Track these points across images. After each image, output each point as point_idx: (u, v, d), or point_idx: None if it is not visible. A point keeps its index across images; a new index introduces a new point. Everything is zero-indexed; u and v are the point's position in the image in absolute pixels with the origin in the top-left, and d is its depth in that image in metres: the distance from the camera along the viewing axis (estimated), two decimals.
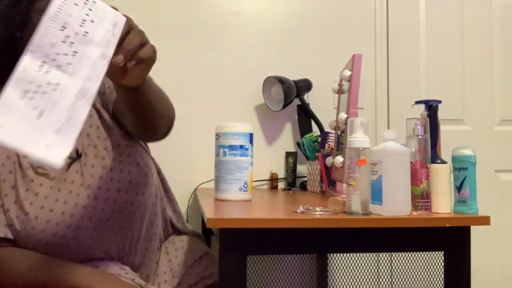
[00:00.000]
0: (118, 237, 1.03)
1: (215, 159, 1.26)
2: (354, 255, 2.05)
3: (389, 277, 2.07)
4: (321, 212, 0.98)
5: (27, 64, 0.62)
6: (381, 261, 2.07)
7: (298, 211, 1.01)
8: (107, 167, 0.99)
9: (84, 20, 0.65)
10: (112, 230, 1.01)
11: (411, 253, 2.04)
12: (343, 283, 2.04)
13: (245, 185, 1.23)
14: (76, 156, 0.98)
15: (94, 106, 1.02)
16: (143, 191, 1.05)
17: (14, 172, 0.96)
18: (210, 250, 1.36)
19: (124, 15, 0.71)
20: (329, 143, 1.65)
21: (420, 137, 1.02)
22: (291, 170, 1.94)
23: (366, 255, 2.06)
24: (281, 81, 1.87)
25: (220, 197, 1.23)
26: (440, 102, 1.13)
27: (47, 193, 0.95)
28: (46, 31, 0.62)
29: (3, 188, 0.95)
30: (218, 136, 1.25)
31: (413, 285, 2.04)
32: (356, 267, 2.06)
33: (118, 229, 1.02)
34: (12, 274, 0.89)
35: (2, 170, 0.96)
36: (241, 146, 1.23)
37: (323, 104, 2.04)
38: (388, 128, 2.11)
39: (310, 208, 1.02)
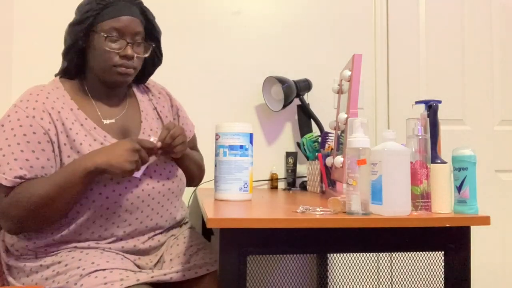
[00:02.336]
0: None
1: (215, 159, 1.26)
2: (354, 255, 2.05)
3: (389, 277, 2.07)
4: (321, 212, 0.98)
5: None
6: (381, 261, 2.07)
7: (298, 211, 1.01)
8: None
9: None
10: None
11: (411, 253, 2.04)
12: (343, 283, 2.04)
13: (245, 185, 1.23)
14: None
15: None
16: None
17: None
18: (208, 242, 1.37)
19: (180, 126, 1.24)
20: (329, 143, 1.65)
21: (420, 137, 1.02)
22: (291, 170, 1.94)
23: (366, 255, 2.06)
24: (281, 81, 1.87)
25: (220, 197, 1.23)
26: (440, 102, 1.13)
27: None
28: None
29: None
30: (218, 136, 1.25)
31: (413, 285, 2.04)
32: (356, 267, 2.05)
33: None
34: (33, 191, 1.09)
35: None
36: (241, 146, 1.23)
37: (323, 104, 2.04)
38: (388, 128, 2.11)
39: (310, 208, 1.02)
